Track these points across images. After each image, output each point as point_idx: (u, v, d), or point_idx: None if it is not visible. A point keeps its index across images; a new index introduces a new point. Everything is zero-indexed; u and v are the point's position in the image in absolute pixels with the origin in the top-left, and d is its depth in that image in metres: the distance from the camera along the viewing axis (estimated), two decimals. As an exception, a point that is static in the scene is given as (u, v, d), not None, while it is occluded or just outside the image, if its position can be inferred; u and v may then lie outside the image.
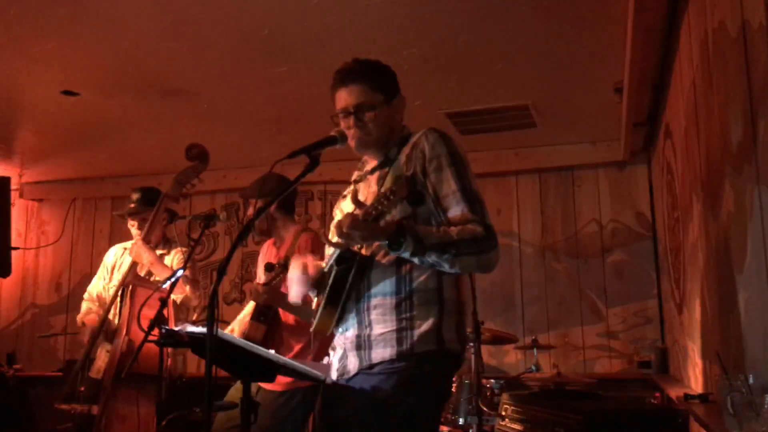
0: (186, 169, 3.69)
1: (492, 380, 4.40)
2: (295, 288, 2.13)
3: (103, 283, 3.92)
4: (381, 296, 1.98)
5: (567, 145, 5.52)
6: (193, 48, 3.77)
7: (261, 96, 4.49)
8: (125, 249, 3.91)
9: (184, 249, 3.83)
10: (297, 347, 3.13)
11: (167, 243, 3.90)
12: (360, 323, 2.01)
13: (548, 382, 4.00)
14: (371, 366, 1.96)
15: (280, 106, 4.66)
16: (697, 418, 2.46)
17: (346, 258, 1.97)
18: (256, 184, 3.27)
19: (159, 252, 3.83)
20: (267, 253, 3.37)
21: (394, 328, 1.96)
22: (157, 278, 3.72)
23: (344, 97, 2.09)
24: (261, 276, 3.31)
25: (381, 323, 1.98)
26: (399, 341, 1.94)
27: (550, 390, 3.83)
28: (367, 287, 2.01)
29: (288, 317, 3.14)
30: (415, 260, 1.90)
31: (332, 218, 2.33)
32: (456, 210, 1.95)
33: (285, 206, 3.29)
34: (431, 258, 1.88)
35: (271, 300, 3.03)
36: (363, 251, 2.01)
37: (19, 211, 6.59)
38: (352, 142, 2.10)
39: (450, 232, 1.90)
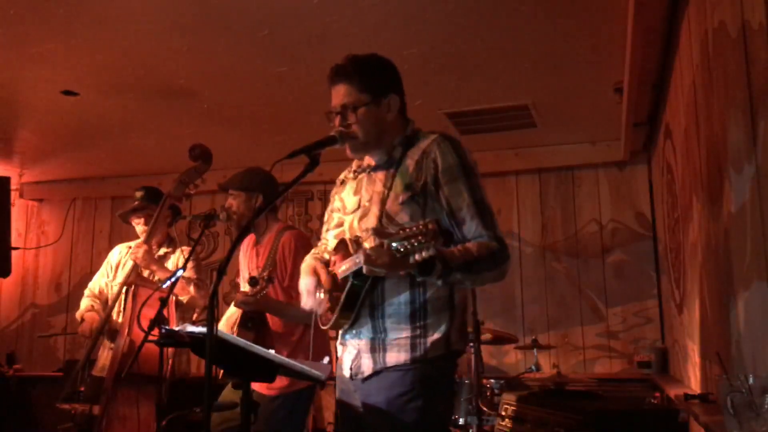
0: (189, 169, 3.70)
1: (492, 380, 4.40)
2: (310, 301, 2.14)
3: (105, 280, 3.91)
4: (396, 306, 2.01)
5: (567, 145, 5.52)
6: (193, 48, 3.77)
7: (261, 96, 4.49)
8: (129, 248, 3.90)
9: (188, 248, 3.85)
10: (283, 354, 3.10)
11: (172, 242, 3.90)
12: (375, 329, 2.04)
13: (548, 382, 4.00)
14: (386, 368, 2.01)
15: (280, 106, 4.66)
16: (697, 418, 2.46)
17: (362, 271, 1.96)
18: (239, 176, 3.26)
19: (164, 251, 3.84)
20: (248, 253, 3.34)
21: (409, 335, 2.00)
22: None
23: (334, 96, 2.10)
24: (244, 275, 3.30)
25: (396, 331, 2.01)
26: (413, 347, 2.00)
27: (550, 390, 3.83)
28: (381, 297, 2.03)
29: (275, 324, 3.13)
30: (439, 282, 1.93)
31: (329, 205, 2.33)
32: (471, 225, 2.00)
33: (269, 201, 3.26)
34: (455, 277, 1.92)
35: (257, 307, 3.03)
36: None
37: (19, 211, 6.59)
38: (347, 147, 2.10)
39: (470, 251, 1.95)
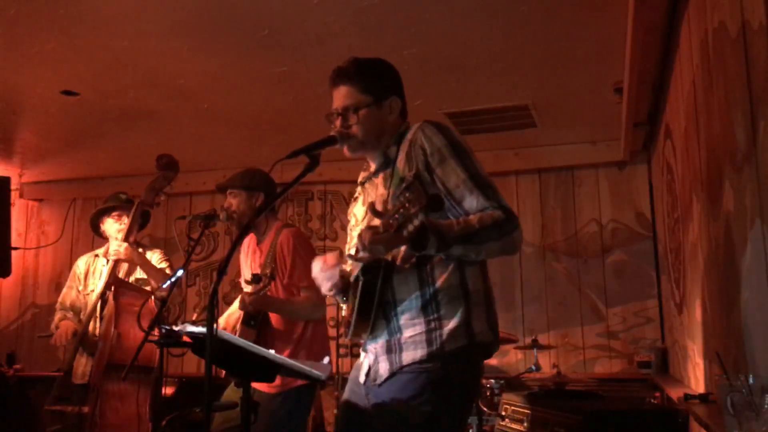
0: (158, 177, 3.79)
1: (492, 380, 4.40)
2: (325, 284, 2.10)
3: (75, 293, 3.93)
4: (407, 301, 1.97)
5: (567, 145, 5.52)
6: (193, 48, 3.78)
7: (261, 96, 4.49)
8: (96, 255, 3.94)
9: (158, 250, 3.95)
10: (285, 353, 3.11)
11: (141, 246, 3.92)
12: (389, 329, 1.99)
13: (548, 382, 4.00)
14: (402, 368, 1.95)
15: (280, 106, 4.67)
16: (697, 418, 2.46)
17: (372, 267, 1.94)
18: (240, 176, 3.27)
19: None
20: (249, 251, 3.35)
21: (424, 329, 1.94)
22: (141, 276, 3.79)
23: (335, 98, 2.09)
24: (246, 275, 3.31)
25: (410, 327, 1.96)
26: (429, 342, 1.93)
27: (550, 390, 3.83)
28: (392, 294, 1.98)
29: (277, 321, 3.14)
30: (441, 255, 1.89)
31: (334, 218, 2.33)
32: (471, 200, 1.93)
33: (270, 201, 3.28)
34: (457, 251, 1.86)
35: (259, 306, 3.03)
36: (386, 256, 1.98)
37: (19, 211, 6.59)
38: (345, 147, 2.10)
39: (471, 221, 1.88)
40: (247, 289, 3.17)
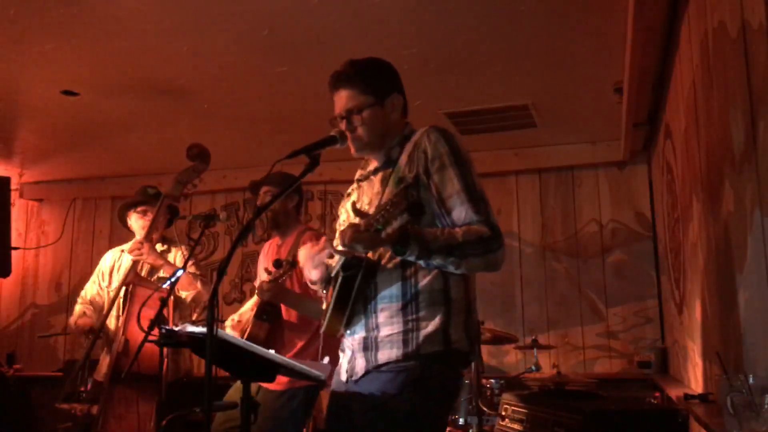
0: (187, 168, 3.68)
1: (492, 380, 4.40)
2: (314, 272, 2.12)
3: (96, 288, 3.89)
4: (387, 300, 1.99)
5: (567, 145, 5.52)
6: (193, 48, 3.77)
7: (261, 96, 4.49)
8: (122, 251, 3.88)
9: (185, 247, 3.84)
10: (299, 344, 3.15)
11: (166, 242, 3.89)
12: (367, 326, 2.01)
13: (548, 382, 4.00)
14: (378, 366, 1.97)
15: (280, 106, 4.67)
16: (697, 418, 2.46)
17: (352, 264, 1.97)
18: (278, 175, 3.26)
19: (161, 249, 3.82)
20: (269, 253, 3.37)
21: (401, 329, 1.96)
22: (164, 274, 3.71)
23: (337, 102, 2.11)
24: (263, 276, 3.31)
25: (388, 326, 1.98)
26: (405, 342, 1.95)
27: (550, 390, 3.82)
28: (374, 291, 2.01)
29: (291, 315, 3.16)
30: (421, 263, 1.92)
31: (334, 218, 2.35)
32: (460, 211, 1.94)
33: (298, 206, 3.34)
34: (436, 261, 1.89)
35: (276, 296, 3.04)
36: (369, 255, 2.01)
37: (19, 211, 6.59)
38: (350, 146, 2.11)
39: (455, 234, 1.90)
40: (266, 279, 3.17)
